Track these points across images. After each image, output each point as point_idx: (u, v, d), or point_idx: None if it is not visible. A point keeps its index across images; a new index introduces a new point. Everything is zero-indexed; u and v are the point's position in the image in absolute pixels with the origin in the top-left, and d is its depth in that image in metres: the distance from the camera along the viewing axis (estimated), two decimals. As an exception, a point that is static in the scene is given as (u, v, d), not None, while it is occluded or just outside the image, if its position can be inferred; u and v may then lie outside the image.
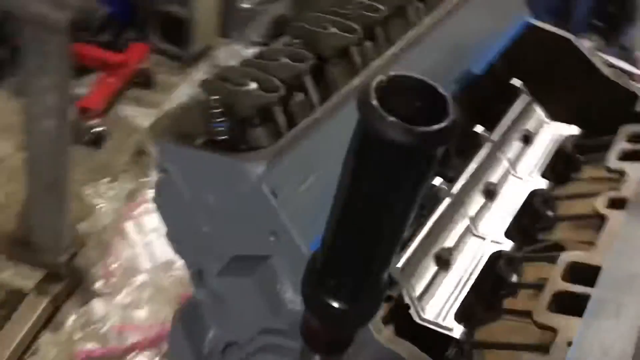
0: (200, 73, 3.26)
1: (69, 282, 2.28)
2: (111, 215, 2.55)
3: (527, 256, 1.14)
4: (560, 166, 1.30)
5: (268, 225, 0.89)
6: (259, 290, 0.96)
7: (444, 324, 0.97)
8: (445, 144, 0.41)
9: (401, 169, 0.42)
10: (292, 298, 0.95)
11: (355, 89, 0.97)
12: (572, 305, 0.92)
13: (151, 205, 2.67)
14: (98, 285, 2.34)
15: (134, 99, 3.25)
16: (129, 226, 2.51)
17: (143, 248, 2.47)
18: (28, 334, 2.13)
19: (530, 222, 1.20)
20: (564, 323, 0.90)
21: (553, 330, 0.90)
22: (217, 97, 0.93)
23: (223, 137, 0.96)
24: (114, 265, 2.39)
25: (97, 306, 2.28)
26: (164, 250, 2.46)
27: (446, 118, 0.40)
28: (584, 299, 0.91)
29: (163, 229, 2.34)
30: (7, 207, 2.45)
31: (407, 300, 1.00)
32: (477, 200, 1.16)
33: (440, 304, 1.01)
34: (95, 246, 2.44)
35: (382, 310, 0.95)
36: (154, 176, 2.70)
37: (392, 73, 0.43)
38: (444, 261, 1.05)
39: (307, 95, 0.96)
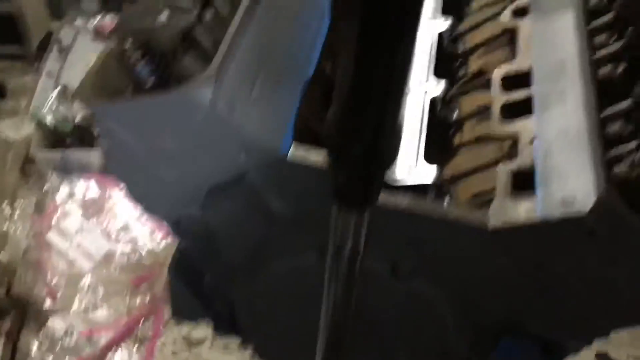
0: (50, 61, 3.06)
1: (16, 313, 2.17)
2: (28, 234, 2.42)
3: (458, 92, 1.21)
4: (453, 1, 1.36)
5: (235, 143, 0.90)
6: (246, 211, 0.97)
7: (416, 175, 1.04)
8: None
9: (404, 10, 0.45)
10: (280, 205, 0.98)
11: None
12: (520, 111, 1.01)
13: (66, 209, 2.56)
14: (47, 304, 2.25)
15: (-7, 114, 3.01)
16: (52, 237, 2.40)
17: (76, 251, 2.38)
18: (-1, 378, 2.03)
19: (447, 64, 1.27)
20: (521, 126, 0.99)
21: (514, 136, 0.99)
22: (130, 40, 0.90)
23: (150, 80, 0.93)
24: (55, 279, 2.30)
25: (56, 323, 2.20)
26: (97, 245, 2.39)
27: None
28: (528, 101, 1.00)
29: (90, 227, 2.25)
30: None
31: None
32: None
33: (406, 161, 1.07)
34: (26, 269, 2.32)
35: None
36: (53, 179, 2.57)
37: None
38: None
39: (216, 9, 0.95)
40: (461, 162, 1.12)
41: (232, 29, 0.91)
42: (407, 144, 1.10)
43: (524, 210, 0.87)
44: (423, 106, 1.15)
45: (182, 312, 1.19)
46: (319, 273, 0.82)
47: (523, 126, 0.99)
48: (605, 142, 0.90)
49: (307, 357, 1.02)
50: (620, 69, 0.98)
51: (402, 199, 0.90)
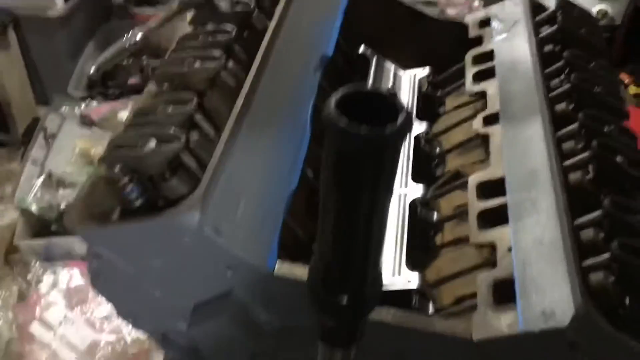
0: (36, 149, 3.09)
1: (-5, 412, 2.11)
2: (10, 326, 2.38)
3: (436, 193, 1.26)
4: (427, 105, 1.43)
5: (221, 263, 0.92)
6: (233, 326, 0.98)
7: (400, 281, 1.06)
8: (408, 132, 0.48)
9: (380, 168, 0.48)
10: (267, 319, 0.99)
11: (243, 109, 1.01)
12: (496, 218, 1.05)
13: (50, 299, 2.53)
14: (28, 401, 2.19)
15: (-24, 201, 3.01)
16: (35, 328, 2.36)
17: (59, 342, 2.34)
18: None
19: (425, 165, 1.32)
20: (498, 234, 1.03)
21: (491, 244, 1.03)
22: (119, 166, 0.93)
23: (138, 202, 0.96)
24: (37, 373, 2.25)
25: (36, 422, 2.14)
26: (81, 336, 2.36)
27: (400, 113, 0.46)
28: (503, 209, 1.04)
29: (74, 317, 2.23)
30: None
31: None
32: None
33: (389, 266, 1.10)
34: (8, 363, 2.28)
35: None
36: (36, 268, 2.55)
37: (340, 90, 0.48)
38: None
39: (202, 132, 0.99)
40: (443, 264, 1.15)
41: (217, 151, 0.95)
42: (389, 249, 1.12)
43: (506, 323, 0.90)
44: (403, 210, 1.19)
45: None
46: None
47: (500, 234, 1.02)
48: (579, 250, 0.93)
49: None
50: (589, 176, 1.02)
51: (387, 313, 0.92)
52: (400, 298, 1.06)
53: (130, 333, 2.41)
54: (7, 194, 2.97)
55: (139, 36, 1.85)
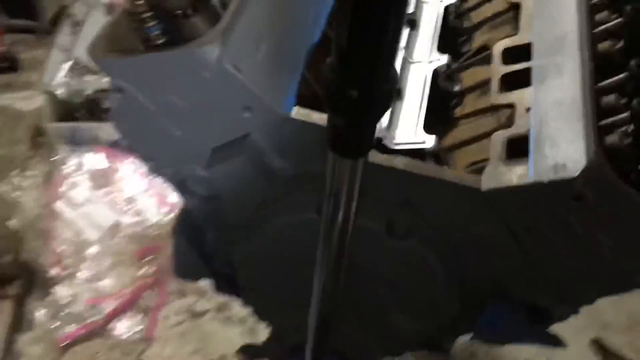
0: (63, 36, 3.10)
1: (23, 279, 2.22)
2: (37, 202, 2.47)
3: (461, 66, 1.24)
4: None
5: (240, 102, 0.93)
6: (248, 170, 1.00)
7: (415, 140, 1.07)
8: None
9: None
10: (281, 164, 1.01)
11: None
12: (519, 82, 1.04)
13: (75, 179, 2.61)
14: (53, 272, 2.30)
15: (5, 86, 3.06)
16: (60, 205, 2.45)
17: (83, 220, 2.43)
18: (3, 340, 2.08)
19: (452, 39, 1.30)
20: (518, 96, 1.02)
21: (510, 105, 1.02)
22: (143, 2, 0.93)
23: (161, 40, 0.96)
24: (62, 248, 2.35)
25: (61, 291, 2.25)
26: (104, 216, 2.44)
27: None
28: (527, 73, 1.03)
29: (98, 197, 2.28)
30: None
31: (377, 134, 1.08)
32: (403, 31, 1.24)
33: (406, 128, 1.10)
34: (34, 237, 2.38)
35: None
36: (62, 151, 2.61)
37: None
38: (396, 92, 1.13)
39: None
40: (460, 133, 1.15)
41: (240, -8, 0.94)
42: (408, 112, 1.13)
43: (516, 175, 0.90)
44: (425, 78, 1.18)
45: (185, 271, 1.23)
46: (317, 231, 0.85)
47: (520, 96, 1.01)
48: (599, 112, 0.92)
49: (304, 315, 1.06)
50: (618, 45, 1.00)
51: (400, 160, 0.93)
52: (414, 157, 1.06)
53: (151, 217, 2.50)
54: (34, 80, 3.01)
55: None
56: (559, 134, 0.90)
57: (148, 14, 0.94)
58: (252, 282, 1.18)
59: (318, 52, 1.07)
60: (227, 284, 1.22)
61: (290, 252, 1.02)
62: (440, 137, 1.13)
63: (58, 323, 2.16)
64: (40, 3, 3.16)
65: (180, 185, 1.10)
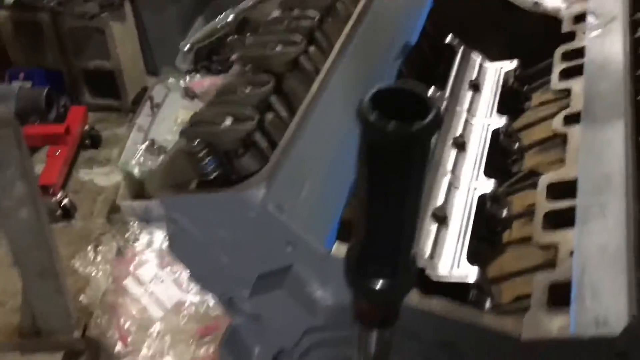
0: (142, 116, 3.30)
1: (89, 354, 2.31)
2: (107, 278, 2.59)
3: (509, 190, 1.24)
4: (511, 100, 1.41)
5: (282, 238, 0.97)
6: (291, 299, 1.04)
7: (458, 273, 1.07)
8: (437, 130, 0.50)
9: (408, 161, 0.51)
10: (322, 295, 1.04)
11: (317, 94, 1.05)
12: (563, 220, 1.03)
13: (144, 257, 2.72)
14: (118, 348, 2.38)
15: (87, 162, 3.27)
16: (129, 283, 2.55)
17: (149, 298, 2.51)
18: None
19: (501, 159, 1.31)
20: (561, 237, 1.01)
21: (554, 246, 1.01)
22: (197, 141, 1.00)
23: (214, 175, 1.03)
24: (127, 324, 2.44)
25: (125, 367, 2.32)
26: (169, 294, 2.52)
27: (431, 111, 0.48)
28: (571, 212, 1.02)
29: (164, 276, 2.37)
30: (4, 303, 2.47)
31: (420, 264, 1.09)
32: (451, 154, 1.26)
33: (449, 258, 1.11)
34: (102, 312, 2.48)
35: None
36: (134, 228, 2.74)
37: (376, 86, 0.51)
38: (441, 218, 1.15)
39: (276, 113, 1.04)
40: (506, 262, 1.15)
41: (288, 133, 1.00)
42: (452, 241, 1.13)
43: (557, 325, 0.89)
44: (471, 204, 1.19)
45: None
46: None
47: (564, 237, 1.00)
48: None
49: None
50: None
51: (437, 303, 0.94)
52: (457, 291, 1.06)
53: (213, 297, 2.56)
54: (114, 157, 3.21)
55: (231, 17, 1.94)
56: (601, 284, 0.89)
57: (203, 153, 1.01)
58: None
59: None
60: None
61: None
62: (483, 264, 1.13)
63: (120, 399, 2.23)
64: (123, 84, 3.40)
65: (228, 303, 1.14)
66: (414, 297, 0.95)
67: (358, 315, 0.68)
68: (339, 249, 0.98)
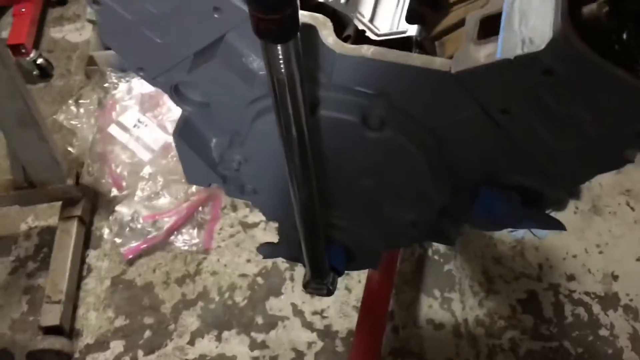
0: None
1: (86, 201, 2.38)
2: (92, 128, 2.62)
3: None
4: None
5: (208, 3, 0.94)
6: (229, 71, 1.03)
7: (398, 30, 1.05)
8: None
9: None
10: (259, 65, 1.03)
11: None
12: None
13: (124, 103, 2.71)
14: (113, 192, 2.45)
15: (57, 20, 3.19)
16: (113, 130, 2.58)
17: (136, 143, 2.55)
18: (75, 258, 2.27)
19: None
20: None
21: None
22: None
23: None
24: (119, 170, 2.49)
25: (123, 210, 2.41)
26: (154, 137, 2.55)
27: None
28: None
29: (146, 120, 2.33)
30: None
31: (360, 26, 1.07)
32: None
33: (389, 18, 1.08)
34: (93, 161, 2.53)
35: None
36: (112, 78, 2.72)
37: None
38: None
39: None
40: (451, 19, 1.12)
41: None
42: (392, 4, 1.10)
43: (484, 54, 0.88)
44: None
45: (195, 178, 1.29)
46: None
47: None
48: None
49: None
50: None
51: (367, 49, 0.93)
52: (399, 48, 1.05)
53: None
54: (83, 12, 3.12)
55: None
56: (531, 7, 0.86)
57: None
58: (255, 184, 1.23)
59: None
60: (235, 188, 1.27)
61: (276, 149, 1.05)
62: (428, 25, 1.10)
63: (122, 239, 2.33)
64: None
65: (176, 93, 1.14)
66: (344, 47, 0.94)
67: (256, 29, 0.67)
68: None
